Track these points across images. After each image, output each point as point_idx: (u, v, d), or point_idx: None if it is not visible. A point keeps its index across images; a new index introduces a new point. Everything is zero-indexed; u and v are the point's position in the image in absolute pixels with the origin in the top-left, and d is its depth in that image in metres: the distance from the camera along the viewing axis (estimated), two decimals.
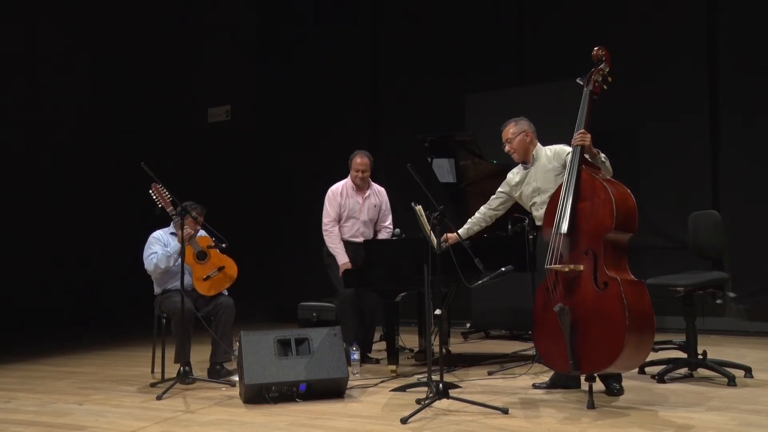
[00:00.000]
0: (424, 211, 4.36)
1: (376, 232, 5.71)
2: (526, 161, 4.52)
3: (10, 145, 8.71)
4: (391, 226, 5.64)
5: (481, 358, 5.80)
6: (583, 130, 4.03)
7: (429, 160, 5.69)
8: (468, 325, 7.44)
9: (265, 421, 3.83)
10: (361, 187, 5.56)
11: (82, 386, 4.99)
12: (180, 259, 4.87)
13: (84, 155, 9.48)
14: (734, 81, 6.90)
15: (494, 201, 4.68)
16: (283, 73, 9.66)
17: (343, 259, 5.46)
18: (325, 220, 5.56)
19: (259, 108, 10.01)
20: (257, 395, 4.22)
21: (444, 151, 5.73)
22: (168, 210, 4.94)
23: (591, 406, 3.81)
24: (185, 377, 4.76)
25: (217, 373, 5.03)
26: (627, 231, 3.85)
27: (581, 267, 3.79)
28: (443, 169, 5.77)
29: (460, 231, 4.60)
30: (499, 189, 4.66)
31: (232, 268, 5.14)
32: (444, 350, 5.64)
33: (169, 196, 4.89)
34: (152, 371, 5.31)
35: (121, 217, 9.71)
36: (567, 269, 3.82)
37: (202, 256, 5.06)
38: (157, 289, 5.23)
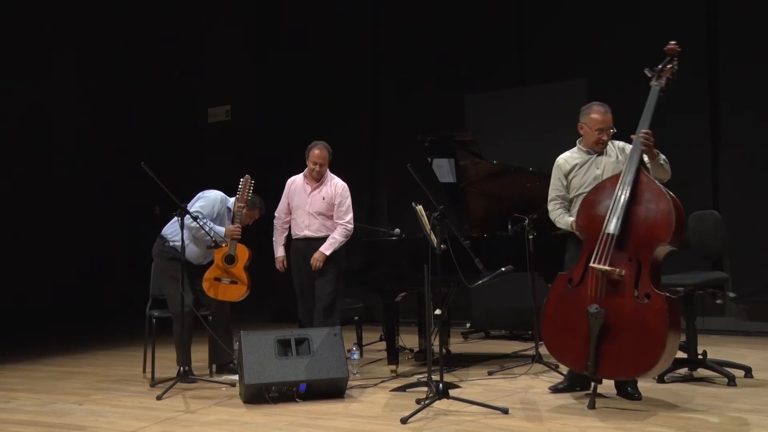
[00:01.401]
0: (425, 211, 4.36)
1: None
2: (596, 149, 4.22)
3: (9, 145, 8.70)
4: (350, 225, 5.18)
5: (481, 358, 5.81)
6: (649, 130, 3.87)
7: (429, 160, 5.69)
8: (468, 325, 7.44)
9: (265, 421, 3.83)
10: (314, 179, 5.25)
11: (82, 386, 4.99)
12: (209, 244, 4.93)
13: (84, 155, 9.48)
14: (734, 81, 6.89)
15: (564, 196, 4.26)
16: (283, 73, 9.66)
17: (278, 252, 5.34)
18: (276, 211, 5.43)
19: (259, 108, 10.01)
20: (257, 395, 4.22)
21: (444, 151, 5.72)
22: (239, 205, 5.03)
23: (592, 406, 3.81)
24: (185, 377, 4.76)
25: (229, 371, 5.08)
26: (675, 245, 3.76)
27: (623, 272, 3.69)
28: (443, 169, 5.76)
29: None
30: (555, 182, 4.26)
31: (239, 290, 5.03)
32: (444, 350, 5.64)
33: (249, 194, 5.03)
34: (144, 371, 5.32)
35: (120, 217, 9.72)
36: (608, 269, 3.69)
37: (229, 260, 5.01)
38: (169, 232, 5.07)
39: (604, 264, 3.72)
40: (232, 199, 5.17)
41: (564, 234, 5.60)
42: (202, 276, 5.05)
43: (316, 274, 5.07)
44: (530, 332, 6.58)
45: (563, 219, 4.21)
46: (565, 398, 4.20)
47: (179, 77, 10.26)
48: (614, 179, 3.88)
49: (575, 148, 4.31)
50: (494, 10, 8.21)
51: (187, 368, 4.82)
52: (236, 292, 5.03)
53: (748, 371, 4.62)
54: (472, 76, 8.14)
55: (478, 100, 7.69)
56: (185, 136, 10.31)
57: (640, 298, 3.67)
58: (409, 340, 6.14)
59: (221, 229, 5.04)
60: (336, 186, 5.26)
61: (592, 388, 3.86)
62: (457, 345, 6.62)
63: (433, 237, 4.09)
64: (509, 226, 5.40)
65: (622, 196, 3.75)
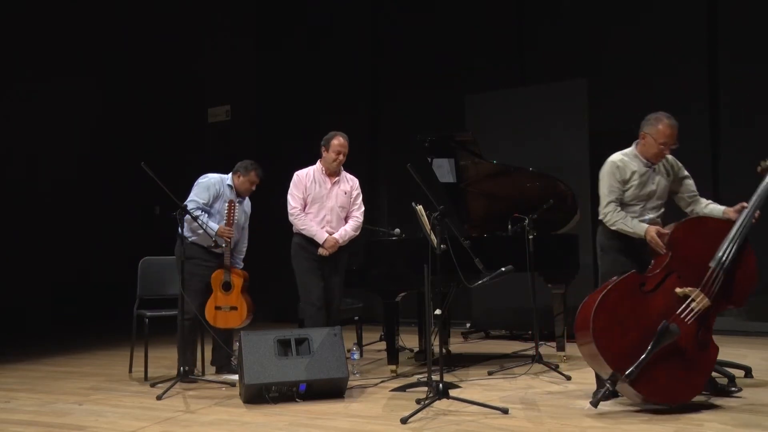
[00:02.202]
0: (425, 211, 4.36)
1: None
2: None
3: (10, 144, 8.70)
4: (361, 217, 5.13)
5: (481, 358, 5.81)
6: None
7: (429, 160, 5.69)
8: (468, 325, 7.44)
9: (265, 421, 3.83)
10: (334, 172, 5.07)
11: (82, 386, 4.99)
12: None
13: (83, 155, 9.48)
14: (734, 80, 6.90)
15: (621, 199, 4.09)
16: (283, 73, 9.67)
17: (323, 235, 4.95)
18: (291, 203, 5.03)
19: (259, 108, 10.01)
20: (257, 395, 4.22)
21: (444, 151, 5.73)
22: (228, 228, 4.97)
23: (596, 405, 3.81)
24: (185, 377, 4.76)
25: (229, 371, 5.08)
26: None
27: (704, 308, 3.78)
28: (443, 169, 5.76)
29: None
30: (613, 184, 4.07)
31: (239, 317, 5.01)
32: (444, 350, 5.64)
33: (234, 218, 4.98)
34: (130, 371, 5.34)
35: (120, 217, 9.72)
36: (698, 296, 3.76)
37: (226, 287, 5.00)
38: (187, 232, 5.01)
39: (707, 296, 3.77)
40: (229, 176, 5.18)
41: (565, 234, 5.63)
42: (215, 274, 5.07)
43: (327, 270, 5.00)
44: (530, 332, 6.58)
45: (631, 223, 4.01)
46: (565, 398, 4.20)
47: (179, 77, 10.26)
48: (724, 224, 3.94)
49: (631, 152, 4.13)
50: (494, 10, 8.21)
51: (186, 368, 4.82)
52: (237, 319, 5.01)
53: (748, 371, 4.62)
54: (472, 76, 8.14)
55: (478, 100, 7.69)
56: (185, 136, 10.31)
57: (699, 339, 3.76)
58: (409, 340, 6.15)
59: (215, 226, 5.01)
60: (352, 179, 5.20)
61: (604, 388, 3.84)
62: (457, 345, 6.63)
63: (433, 237, 4.09)
64: (509, 226, 5.40)
65: (734, 247, 3.83)
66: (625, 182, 4.08)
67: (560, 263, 5.44)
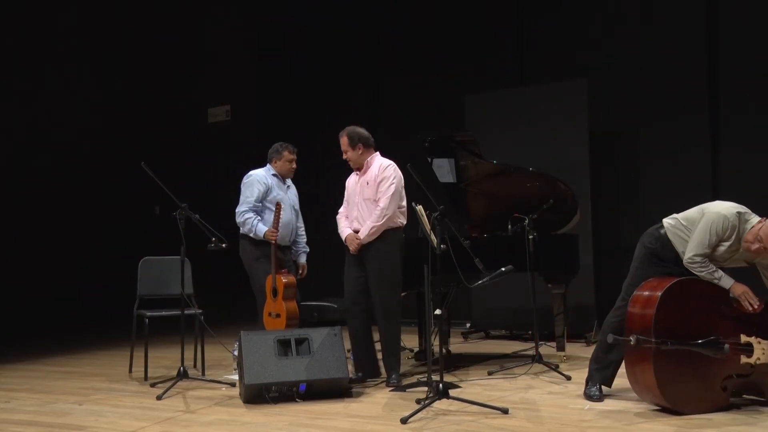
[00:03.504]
0: (425, 211, 4.35)
1: None
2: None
3: (10, 145, 8.71)
4: (384, 203, 4.68)
5: (481, 358, 5.81)
6: None
7: (429, 160, 5.69)
8: (468, 325, 7.44)
9: (265, 421, 3.83)
10: (357, 167, 4.88)
11: (82, 386, 4.99)
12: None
13: (83, 155, 9.48)
14: (734, 81, 6.89)
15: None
16: (282, 73, 9.67)
17: (344, 233, 4.82)
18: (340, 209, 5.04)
19: (259, 108, 10.02)
20: (257, 395, 4.22)
21: (444, 151, 5.73)
22: (272, 230, 4.95)
23: (609, 339, 3.83)
24: (184, 376, 4.75)
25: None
26: None
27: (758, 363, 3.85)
28: (443, 169, 5.77)
29: None
30: (712, 240, 3.83)
31: (281, 324, 4.88)
32: (444, 350, 5.64)
33: (280, 220, 4.95)
34: (130, 371, 5.35)
35: (120, 217, 9.73)
36: (760, 353, 3.83)
37: (274, 293, 4.96)
38: (250, 231, 5.08)
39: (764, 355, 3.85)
40: (268, 167, 5.27)
41: (565, 234, 5.63)
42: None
43: (368, 271, 4.73)
44: (530, 332, 6.58)
45: (718, 274, 3.84)
46: (565, 398, 4.20)
47: (179, 77, 10.27)
48: None
49: (745, 226, 3.81)
50: (494, 10, 8.21)
51: (183, 368, 4.79)
52: (279, 326, 4.90)
53: None
54: (472, 76, 8.14)
55: (478, 100, 7.69)
56: (185, 136, 10.31)
57: (729, 380, 3.82)
58: (409, 340, 6.14)
59: (263, 228, 5.02)
60: (380, 166, 4.79)
61: (625, 338, 3.82)
62: (457, 345, 6.62)
63: (433, 237, 4.09)
64: (509, 226, 5.40)
65: None
66: (721, 241, 3.85)
67: (560, 263, 5.44)
